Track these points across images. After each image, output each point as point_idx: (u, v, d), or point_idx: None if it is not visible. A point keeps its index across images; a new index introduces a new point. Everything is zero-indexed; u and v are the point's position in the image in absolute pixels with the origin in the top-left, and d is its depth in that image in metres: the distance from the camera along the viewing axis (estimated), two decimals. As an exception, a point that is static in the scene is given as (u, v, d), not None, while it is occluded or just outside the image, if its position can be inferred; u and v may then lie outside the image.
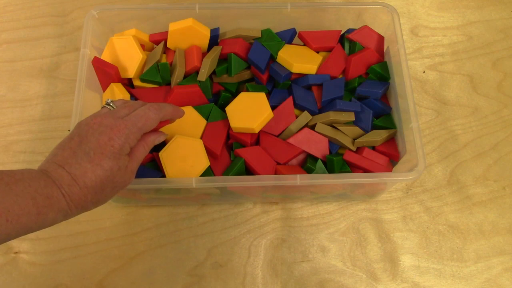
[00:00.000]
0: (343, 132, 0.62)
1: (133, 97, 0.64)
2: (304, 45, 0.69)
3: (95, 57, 0.63)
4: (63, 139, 0.46)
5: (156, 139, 0.52)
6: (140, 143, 0.49)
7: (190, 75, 0.65)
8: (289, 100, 0.63)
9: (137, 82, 0.65)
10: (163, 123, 0.53)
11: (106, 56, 0.65)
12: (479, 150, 0.74)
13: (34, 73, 0.77)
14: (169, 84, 0.65)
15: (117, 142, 0.45)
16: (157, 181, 0.56)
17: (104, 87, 0.64)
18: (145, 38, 0.68)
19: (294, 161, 0.63)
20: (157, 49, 0.66)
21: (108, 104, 0.50)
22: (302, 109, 0.64)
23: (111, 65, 0.63)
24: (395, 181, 0.66)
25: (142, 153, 0.49)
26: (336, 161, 0.60)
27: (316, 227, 0.67)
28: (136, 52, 0.64)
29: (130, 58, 0.64)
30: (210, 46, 0.68)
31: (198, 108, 0.63)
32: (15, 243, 0.65)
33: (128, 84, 0.66)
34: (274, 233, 0.67)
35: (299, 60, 0.65)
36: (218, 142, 0.61)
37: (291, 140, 0.61)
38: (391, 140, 0.64)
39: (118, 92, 0.62)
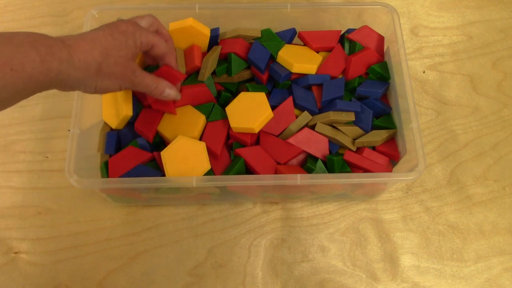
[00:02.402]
0: (343, 132, 0.62)
1: (135, 96, 0.64)
2: (304, 45, 0.69)
3: None
4: None
5: (167, 90, 0.56)
6: (154, 76, 0.54)
7: (191, 75, 0.65)
8: (289, 100, 0.63)
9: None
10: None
11: None
12: (479, 150, 0.74)
13: (34, 73, 0.77)
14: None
15: (129, 28, 0.50)
16: (158, 180, 0.56)
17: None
18: (145, 38, 0.68)
19: (294, 161, 0.63)
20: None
21: (119, 18, 0.55)
22: (302, 109, 0.64)
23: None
24: (395, 181, 0.66)
25: (150, 80, 0.53)
26: (336, 161, 0.60)
27: (316, 227, 0.67)
28: None
29: None
30: (210, 46, 0.68)
31: (199, 108, 0.63)
32: (15, 243, 0.65)
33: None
34: (274, 233, 0.67)
35: (299, 60, 0.65)
36: (218, 142, 0.61)
37: (291, 140, 0.61)
38: (391, 140, 0.64)
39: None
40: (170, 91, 0.56)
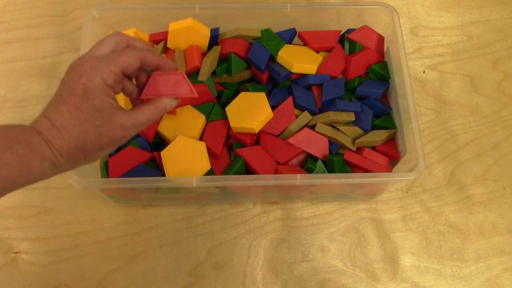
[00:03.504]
0: (343, 132, 0.62)
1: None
2: (304, 45, 0.69)
3: None
4: None
5: (169, 104, 0.47)
6: (145, 105, 0.45)
7: (191, 75, 0.65)
8: (289, 100, 0.63)
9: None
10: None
11: None
12: (479, 150, 0.74)
13: (34, 73, 0.77)
14: None
15: (88, 80, 0.41)
16: (158, 180, 0.56)
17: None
18: (145, 38, 0.68)
19: (294, 161, 0.63)
20: (156, 49, 0.66)
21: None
22: (302, 109, 0.64)
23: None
24: (395, 181, 0.66)
25: (146, 114, 0.45)
26: (336, 161, 0.60)
27: (316, 227, 0.67)
28: None
29: None
30: (210, 46, 0.68)
31: (199, 108, 0.63)
32: (15, 243, 0.65)
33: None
34: (274, 233, 0.67)
35: (299, 60, 0.65)
36: (218, 142, 0.61)
37: (291, 140, 0.61)
38: (391, 140, 0.64)
39: None
40: (171, 103, 0.48)
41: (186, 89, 0.48)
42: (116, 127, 0.42)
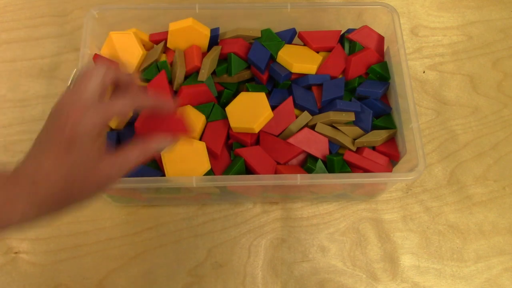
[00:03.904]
0: (343, 132, 0.62)
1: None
2: (304, 45, 0.69)
3: (95, 54, 0.63)
4: None
5: (159, 145, 0.43)
6: (134, 146, 0.42)
7: (191, 75, 0.65)
8: (289, 100, 0.63)
9: (136, 81, 0.65)
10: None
11: (105, 52, 0.65)
12: (479, 150, 0.74)
13: (34, 73, 0.77)
14: (169, 83, 0.65)
15: (76, 127, 0.38)
16: (158, 180, 0.56)
17: (104, 86, 0.64)
18: (145, 38, 0.68)
19: (294, 161, 0.63)
20: (156, 48, 0.66)
21: (71, 82, 0.44)
22: (302, 109, 0.64)
23: (112, 62, 0.63)
24: (395, 181, 0.66)
25: (134, 156, 0.41)
26: (336, 161, 0.60)
27: (316, 227, 0.67)
28: (136, 48, 0.64)
29: (130, 54, 0.64)
30: (210, 46, 0.68)
31: (199, 108, 0.63)
32: (15, 243, 0.65)
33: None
34: (274, 233, 0.67)
35: (299, 60, 0.65)
36: (218, 142, 0.61)
37: (291, 140, 0.61)
38: (391, 140, 0.64)
39: None
40: (162, 145, 0.44)
41: (182, 127, 0.45)
42: (102, 176, 0.40)
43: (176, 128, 0.44)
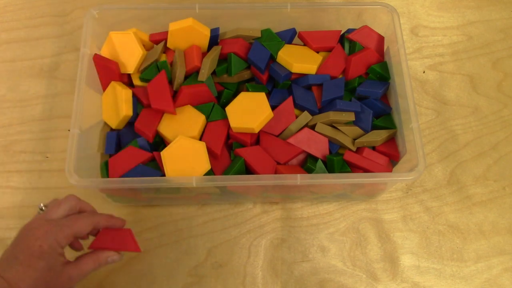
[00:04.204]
0: (343, 132, 0.62)
1: (135, 96, 0.64)
2: (304, 45, 0.69)
3: (95, 54, 0.63)
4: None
5: (110, 258, 0.52)
6: (90, 256, 0.51)
7: (191, 75, 0.65)
8: (289, 100, 0.63)
9: (136, 81, 0.65)
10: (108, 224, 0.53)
11: (105, 52, 0.65)
12: (479, 150, 0.74)
13: (34, 73, 0.77)
14: (169, 83, 0.65)
15: (45, 242, 0.47)
16: (158, 180, 0.56)
17: (105, 85, 0.64)
18: (145, 38, 0.68)
19: (294, 161, 0.63)
20: (156, 48, 0.66)
21: (41, 208, 0.53)
22: (302, 109, 0.64)
23: (112, 61, 0.63)
24: (395, 181, 0.66)
25: (89, 265, 0.50)
26: (336, 161, 0.60)
27: (316, 227, 0.67)
28: (136, 48, 0.64)
29: (130, 54, 0.64)
30: (210, 46, 0.68)
31: (199, 108, 0.63)
32: (15, 243, 0.65)
33: (127, 83, 0.66)
34: (274, 233, 0.67)
35: (299, 60, 0.65)
36: (218, 142, 0.61)
37: (291, 140, 0.61)
38: (391, 140, 0.64)
39: (119, 89, 0.62)
40: (113, 258, 0.52)
41: (131, 244, 0.52)
42: (64, 280, 0.48)
43: (126, 246, 0.53)
